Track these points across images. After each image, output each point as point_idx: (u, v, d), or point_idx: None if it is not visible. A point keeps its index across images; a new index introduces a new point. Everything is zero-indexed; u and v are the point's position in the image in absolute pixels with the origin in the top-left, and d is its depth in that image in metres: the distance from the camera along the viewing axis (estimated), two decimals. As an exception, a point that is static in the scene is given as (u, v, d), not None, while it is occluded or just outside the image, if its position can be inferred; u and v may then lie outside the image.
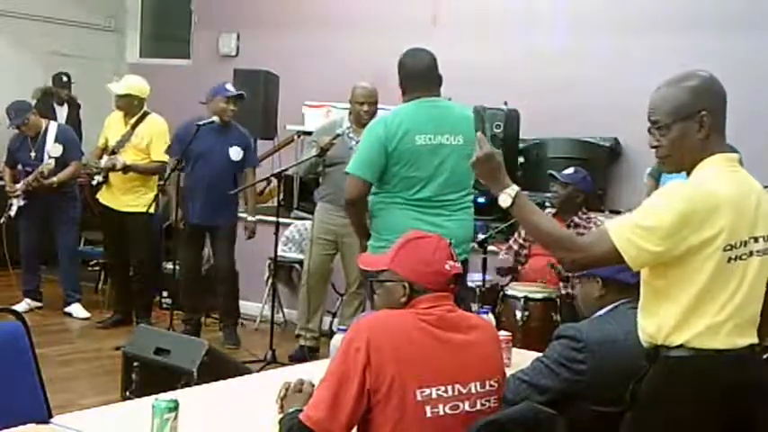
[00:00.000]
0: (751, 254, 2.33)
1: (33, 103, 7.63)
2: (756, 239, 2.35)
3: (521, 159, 6.84)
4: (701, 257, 2.27)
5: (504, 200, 2.41)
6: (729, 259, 2.29)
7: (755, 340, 2.39)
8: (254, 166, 6.56)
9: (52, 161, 6.77)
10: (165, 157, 6.61)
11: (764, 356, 5.84)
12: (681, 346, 2.31)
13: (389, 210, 4.13)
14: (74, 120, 8.73)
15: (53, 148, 6.84)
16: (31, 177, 6.76)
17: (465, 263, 4.01)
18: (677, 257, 2.27)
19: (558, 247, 2.38)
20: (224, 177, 6.29)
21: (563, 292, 5.10)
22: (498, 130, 5.88)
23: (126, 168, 6.58)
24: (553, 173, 5.47)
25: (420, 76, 4.21)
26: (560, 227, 2.53)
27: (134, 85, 6.70)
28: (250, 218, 6.43)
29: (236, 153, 6.32)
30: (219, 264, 6.54)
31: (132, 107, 6.66)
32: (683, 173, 2.43)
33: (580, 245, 2.36)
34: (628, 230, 2.27)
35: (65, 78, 8.75)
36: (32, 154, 6.86)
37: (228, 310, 6.60)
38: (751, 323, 2.38)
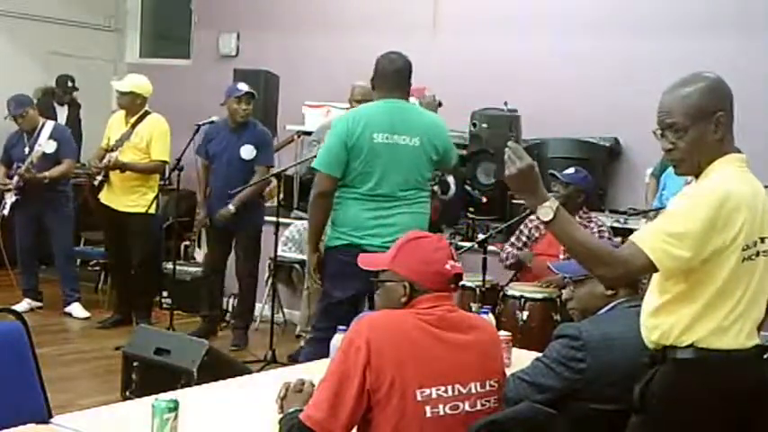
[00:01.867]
0: (758, 254, 2.34)
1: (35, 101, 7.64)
2: (763, 240, 2.35)
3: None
4: (723, 258, 2.27)
5: (546, 213, 2.30)
6: (744, 259, 2.30)
7: (759, 341, 2.39)
8: (267, 165, 6.43)
9: (41, 149, 6.80)
10: (165, 157, 6.63)
11: (765, 356, 5.83)
12: (691, 345, 2.30)
13: (347, 203, 4.24)
14: (74, 120, 8.73)
15: (46, 144, 6.86)
16: (23, 168, 6.77)
17: None
18: (702, 260, 2.26)
19: (601, 263, 2.30)
20: (238, 177, 6.26)
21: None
22: (498, 131, 5.88)
23: (123, 167, 6.57)
24: (554, 173, 5.47)
25: (388, 77, 4.33)
26: (598, 240, 2.44)
27: (138, 82, 6.71)
28: (231, 207, 6.25)
29: (247, 152, 6.31)
30: (238, 267, 6.54)
31: (134, 105, 6.66)
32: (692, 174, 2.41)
33: (621, 260, 2.28)
34: (659, 240, 2.24)
35: (69, 83, 8.75)
36: (26, 150, 6.87)
37: (242, 313, 6.58)
38: (755, 324, 2.38)
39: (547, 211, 2.30)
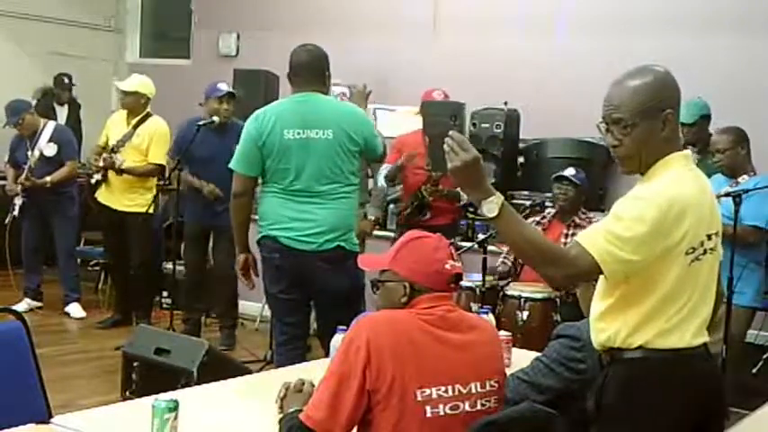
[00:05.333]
0: (705, 252, 2.29)
1: (34, 103, 7.63)
2: (710, 237, 2.30)
3: (521, 159, 6.84)
4: (667, 263, 2.22)
5: (491, 209, 2.18)
6: (691, 262, 2.25)
7: (707, 338, 2.35)
8: None
9: (37, 154, 6.81)
10: (161, 161, 6.62)
11: (765, 356, 5.81)
12: (639, 347, 2.26)
13: (267, 198, 4.27)
14: (74, 120, 8.73)
15: (47, 148, 6.88)
16: (22, 176, 6.79)
17: (341, 249, 4.15)
18: (646, 264, 2.21)
19: (548, 262, 2.22)
20: (229, 179, 6.23)
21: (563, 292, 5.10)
22: (498, 131, 5.90)
23: (121, 171, 6.58)
24: (564, 174, 5.46)
25: (298, 71, 4.33)
26: (547, 238, 2.34)
27: (142, 82, 6.73)
28: None
29: None
30: (220, 265, 6.53)
31: (138, 105, 6.66)
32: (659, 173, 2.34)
33: (568, 260, 2.21)
34: (605, 242, 2.18)
35: (66, 80, 8.75)
36: (28, 153, 6.88)
37: (227, 312, 6.60)
38: (704, 321, 2.34)
39: (492, 206, 2.19)
